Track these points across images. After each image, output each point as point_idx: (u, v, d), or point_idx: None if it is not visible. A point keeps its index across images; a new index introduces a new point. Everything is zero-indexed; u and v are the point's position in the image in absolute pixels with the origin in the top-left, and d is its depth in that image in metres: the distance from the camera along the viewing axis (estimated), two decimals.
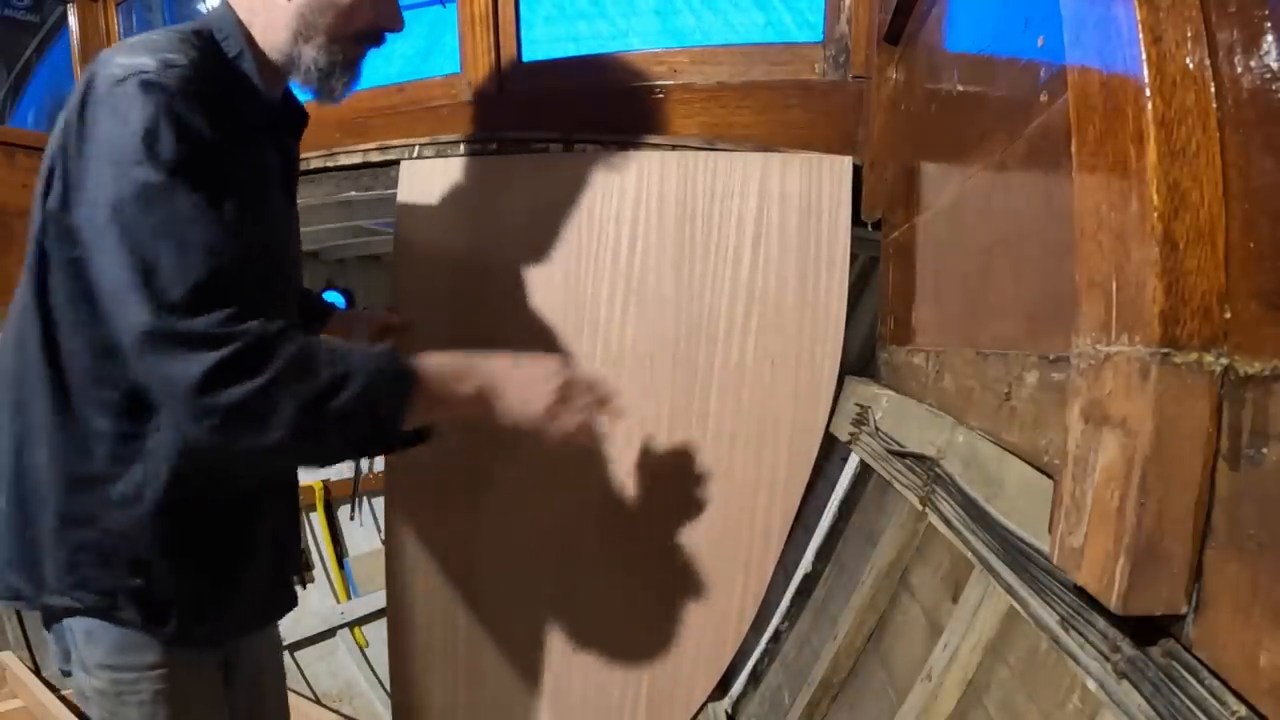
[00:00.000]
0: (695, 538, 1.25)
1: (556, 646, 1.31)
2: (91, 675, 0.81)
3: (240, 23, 0.85)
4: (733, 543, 1.23)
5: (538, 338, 1.26)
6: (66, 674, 0.86)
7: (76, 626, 0.81)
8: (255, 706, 1.02)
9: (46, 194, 0.77)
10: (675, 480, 1.25)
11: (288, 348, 0.72)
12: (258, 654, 1.03)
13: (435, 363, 0.82)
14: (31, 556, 0.80)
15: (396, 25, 0.92)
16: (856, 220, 1.21)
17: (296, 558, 1.03)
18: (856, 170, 1.21)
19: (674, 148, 1.26)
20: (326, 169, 1.44)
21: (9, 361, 0.82)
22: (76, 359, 0.78)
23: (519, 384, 0.86)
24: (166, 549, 0.82)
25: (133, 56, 0.74)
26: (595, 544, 1.29)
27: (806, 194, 1.20)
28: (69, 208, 0.74)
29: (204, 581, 0.86)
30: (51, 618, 0.83)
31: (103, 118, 0.72)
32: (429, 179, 1.33)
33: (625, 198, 1.25)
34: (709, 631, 1.26)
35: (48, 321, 0.78)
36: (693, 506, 1.24)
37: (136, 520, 0.80)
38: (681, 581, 1.26)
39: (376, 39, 0.91)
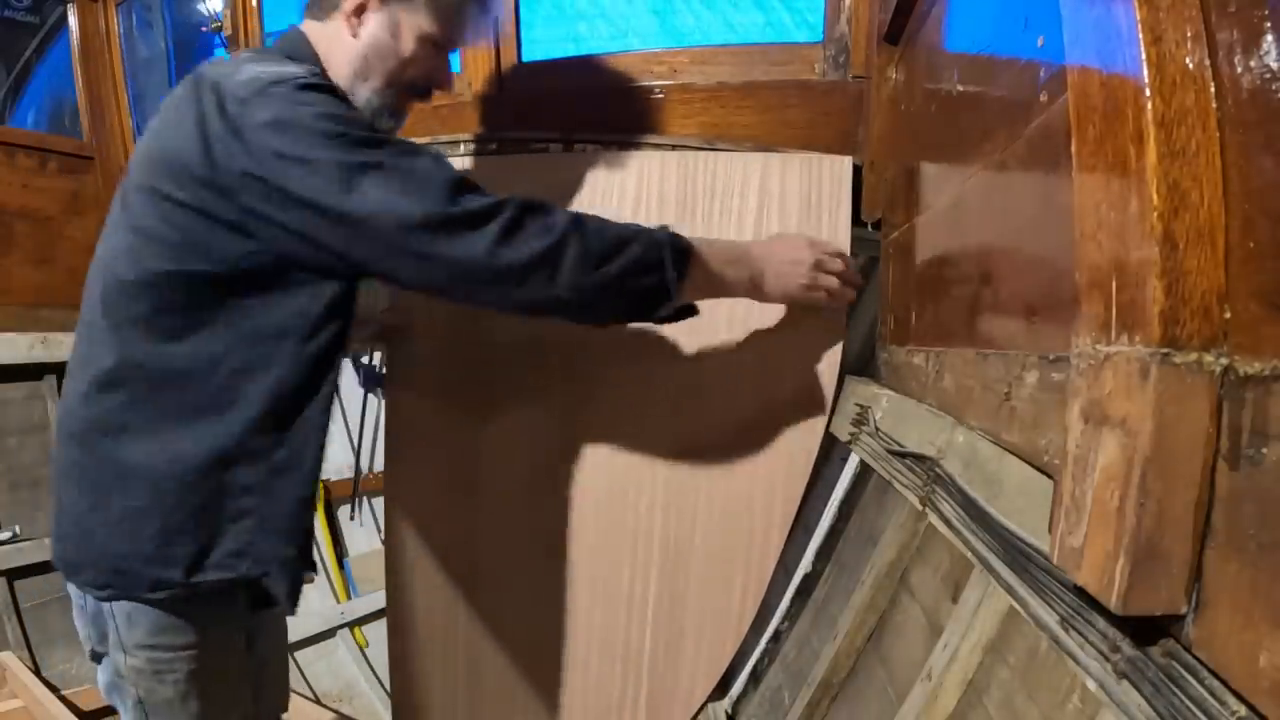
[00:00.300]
0: (695, 537, 1.25)
1: (557, 645, 1.31)
2: (130, 655, 0.86)
3: (315, 52, 0.94)
4: (733, 542, 1.23)
5: (537, 338, 1.26)
6: (96, 657, 0.89)
7: (117, 609, 0.85)
8: (255, 690, 1.04)
9: (159, 200, 0.82)
10: (674, 480, 1.24)
11: (562, 211, 0.84)
12: (267, 642, 1.06)
13: (705, 241, 0.93)
14: (176, 541, 0.83)
15: (447, 87, 1.03)
16: (856, 220, 1.21)
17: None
18: (856, 170, 1.21)
19: (674, 148, 1.26)
20: None
21: (132, 360, 0.84)
22: (232, 348, 0.84)
23: (779, 267, 0.99)
24: (299, 515, 0.89)
25: (268, 66, 0.84)
26: (595, 543, 1.29)
27: (806, 194, 1.20)
28: (253, 194, 0.80)
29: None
30: (173, 594, 0.85)
31: (264, 114, 0.79)
32: None
33: (625, 198, 1.25)
34: (709, 631, 1.26)
35: (189, 317, 0.83)
36: (692, 506, 1.24)
37: (292, 488, 0.87)
38: (681, 581, 1.26)
39: (425, 94, 1.01)
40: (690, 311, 0.94)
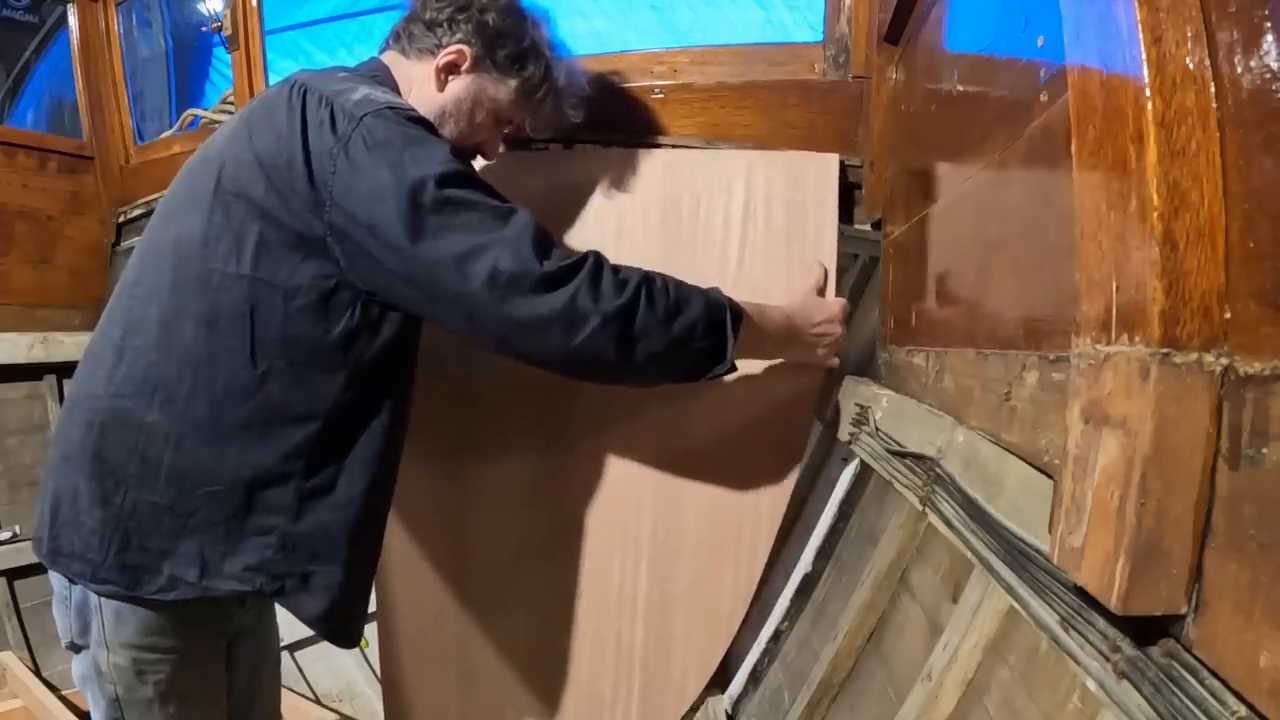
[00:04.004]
0: (685, 533, 1.25)
1: (549, 642, 1.31)
2: (114, 653, 0.85)
3: (398, 87, 0.97)
4: (722, 538, 1.23)
5: None
6: (75, 648, 0.88)
7: (106, 606, 0.84)
8: (252, 690, 1.06)
9: (257, 208, 0.82)
10: (664, 477, 1.24)
11: (634, 271, 0.85)
12: (257, 650, 1.06)
13: (755, 307, 0.95)
14: (192, 544, 0.83)
15: (490, 157, 1.09)
16: (845, 218, 1.21)
17: None
18: (846, 168, 1.21)
19: (674, 148, 1.26)
20: None
21: (177, 360, 0.83)
22: (279, 370, 0.83)
23: (809, 338, 1.04)
24: (345, 542, 0.89)
25: (377, 91, 0.87)
26: (586, 540, 1.29)
27: (792, 192, 1.19)
28: (345, 215, 0.80)
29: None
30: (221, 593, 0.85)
31: (376, 136, 0.80)
32: None
33: (614, 196, 1.25)
34: (700, 626, 1.26)
35: (240, 326, 0.82)
36: (682, 503, 1.24)
37: (325, 514, 0.86)
38: (672, 577, 1.26)
39: (470, 158, 1.04)
40: (730, 370, 0.93)
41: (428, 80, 0.98)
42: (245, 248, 0.82)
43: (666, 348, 0.85)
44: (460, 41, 0.98)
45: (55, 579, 0.88)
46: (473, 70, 0.99)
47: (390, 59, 1.00)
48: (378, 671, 2.30)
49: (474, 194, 0.81)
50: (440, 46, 0.98)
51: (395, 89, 0.96)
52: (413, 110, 0.87)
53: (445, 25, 0.98)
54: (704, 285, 0.91)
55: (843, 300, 1.09)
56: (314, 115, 0.82)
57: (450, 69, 0.98)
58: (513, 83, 1.01)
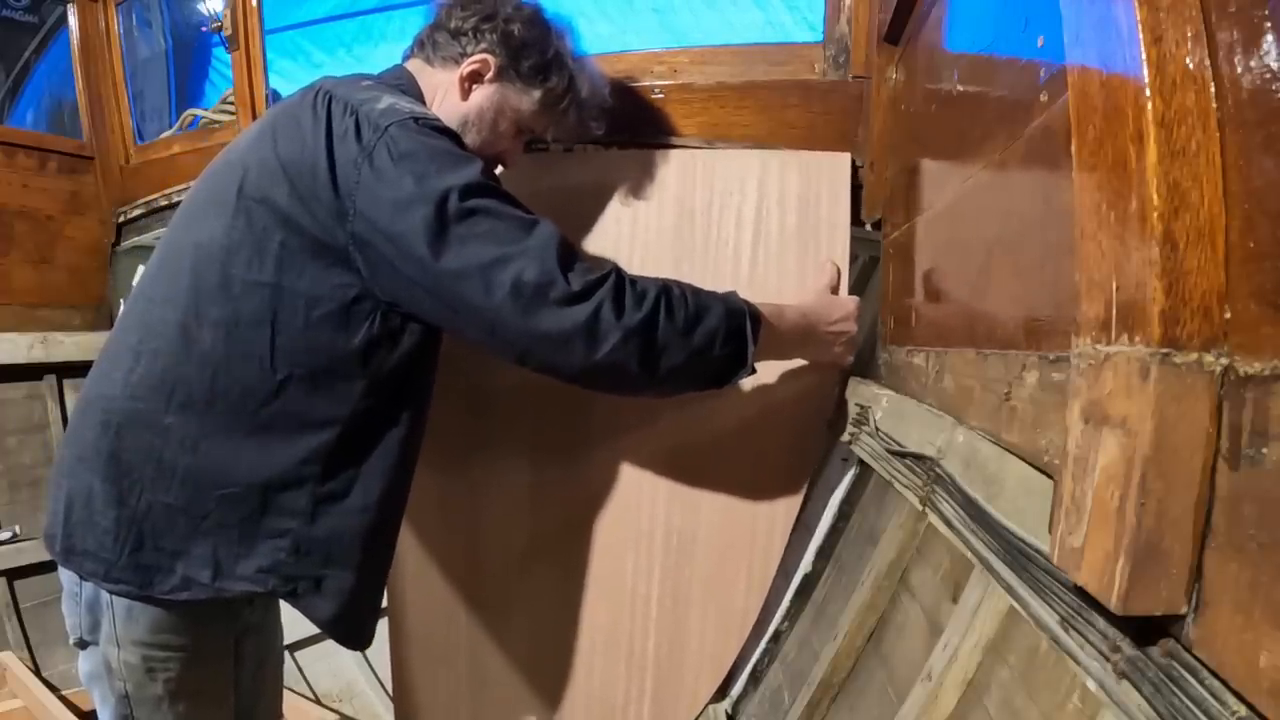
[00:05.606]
0: (698, 536, 1.25)
1: (561, 646, 1.31)
2: (124, 649, 0.85)
3: (422, 95, 0.97)
4: (736, 541, 1.23)
5: None
6: (82, 644, 0.89)
7: (118, 603, 0.84)
8: (256, 687, 1.06)
9: (282, 218, 0.82)
10: (677, 480, 1.24)
11: (652, 282, 0.84)
12: (261, 643, 1.06)
13: (773, 309, 0.94)
14: (206, 545, 0.83)
15: (509, 165, 1.08)
16: (855, 219, 1.21)
17: None
18: (855, 168, 1.21)
19: (675, 148, 1.26)
20: None
21: (195, 363, 0.83)
22: (297, 376, 0.83)
23: (824, 335, 1.04)
24: (359, 547, 0.89)
25: (402, 100, 0.87)
26: (599, 543, 1.29)
27: (805, 191, 1.20)
28: (367, 224, 0.80)
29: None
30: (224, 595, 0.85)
31: (401, 147, 0.80)
32: None
33: (625, 197, 1.25)
34: (713, 630, 1.26)
35: (260, 332, 0.82)
36: (695, 505, 1.24)
37: (339, 519, 0.86)
38: (685, 580, 1.26)
39: (491, 166, 1.02)
40: (750, 373, 0.92)
41: (451, 88, 0.98)
42: (268, 255, 0.82)
43: (688, 358, 0.84)
44: (485, 51, 0.98)
45: (65, 575, 0.88)
46: (496, 80, 0.99)
47: (414, 66, 1.00)
48: (378, 671, 2.31)
49: (498, 204, 0.81)
50: (464, 55, 0.98)
51: (419, 97, 0.96)
52: (437, 120, 0.87)
53: (470, 34, 0.98)
54: (718, 285, 0.91)
55: (856, 298, 1.09)
56: (339, 124, 0.82)
57: (474, 78, 0.99)
58: (536, 93, 1.01)
